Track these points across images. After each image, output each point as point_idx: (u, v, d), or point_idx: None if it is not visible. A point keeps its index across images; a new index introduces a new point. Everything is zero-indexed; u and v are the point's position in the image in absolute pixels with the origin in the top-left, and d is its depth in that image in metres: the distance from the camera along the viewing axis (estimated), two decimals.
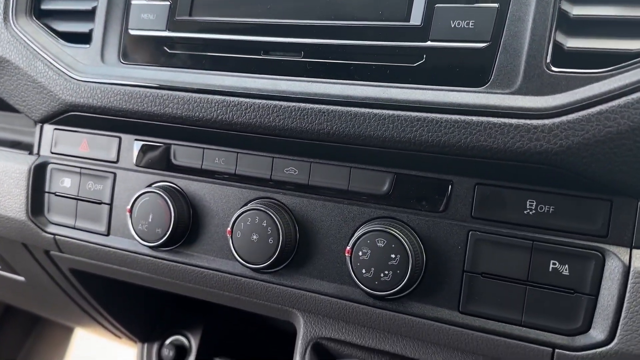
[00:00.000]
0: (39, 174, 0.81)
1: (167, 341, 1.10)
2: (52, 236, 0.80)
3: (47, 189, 0.80)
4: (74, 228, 0.79)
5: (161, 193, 0.70)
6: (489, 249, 0.57)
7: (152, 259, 0.74)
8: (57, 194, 0.80)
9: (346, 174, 0.64)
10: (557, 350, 0.55)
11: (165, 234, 0.69)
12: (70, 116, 0.77)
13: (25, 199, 0.81)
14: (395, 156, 0.60)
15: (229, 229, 0.66)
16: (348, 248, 0.61)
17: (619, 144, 0.50)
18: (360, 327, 0.68)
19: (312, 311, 0.68)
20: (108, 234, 0.76)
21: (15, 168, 0.82)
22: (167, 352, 1.07)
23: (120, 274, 0.83)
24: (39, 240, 0.82)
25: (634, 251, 0.52)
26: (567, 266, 0.54)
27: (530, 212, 0.56)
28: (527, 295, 0.56)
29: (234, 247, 0.66)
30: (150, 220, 0.70)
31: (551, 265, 0.55)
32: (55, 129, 0.81)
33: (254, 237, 0.65)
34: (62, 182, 0.79)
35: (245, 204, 0.67)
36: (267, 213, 0.64)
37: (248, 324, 1.14)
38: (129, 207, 0.72)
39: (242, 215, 0.66)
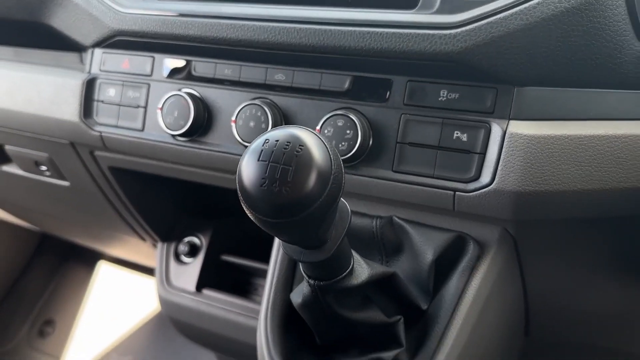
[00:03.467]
0: (90, 86, 1.05)
1: (184, 240, 1.35)
2: (99, 133, 1.05)
3: (96, 98, 1.05)
4: (116, 127, 1.03)
5: (183, 95, 0.95)
6: (413, 126, 0.81)
7: (175, 146, 0.98)
8: (104, 101, 1.05)
9: (318, 77, 0.88)
10: (457, 192, 0.78)
11: (187, 123, 0.94)
12: (116, 41, 1.02)
13: (79, 105, 1.06)
14: (352, 62, 0.84)
15: (233, 118, 0.91)
16: (318, 128, 0.85)
17: (499, 45, 0.74)
18: None
19: None
20: (143, 129, 1.01)
21: (71, 82, 1.07)
22: (183, 248, 1.32)
23: (150, 166, 1.08)
24: (88, 138, 1.07)
25: (510, 121, 0.76)
26: (465, 134, 0.78)
27: (442, 99, 0.80)
28: (438, 157, 0.79)
29: (237, 132, 0.91)
30: (175, 115, 0.95)
31: (455, 135, 0.79)
32: (104, 52, 1.06)
33: (252, 124, 0.89)
34: (108, 92, 1.04)
35: (245, 101, 0.91)
36: (260, 106, 0.89)
37: (251, 231, 1.38)
38: (160, 106, 0.97)
39: (243, 109, 0.90)
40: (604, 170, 0.75)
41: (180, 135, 0.96)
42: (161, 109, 0.97)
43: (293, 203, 0.51)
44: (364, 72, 0.85)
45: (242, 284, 1.36)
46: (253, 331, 1.21)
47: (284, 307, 0.86)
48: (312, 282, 0.67)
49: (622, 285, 0.94)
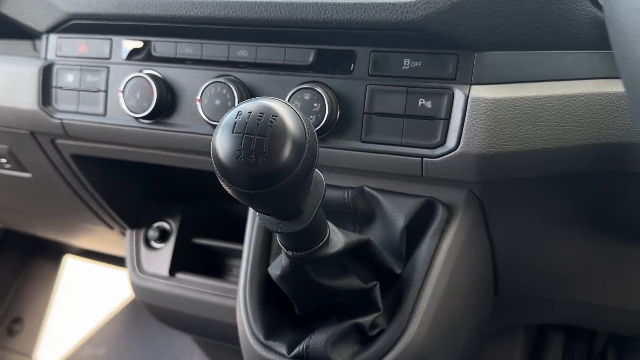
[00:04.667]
0: (47, 73, 1.03)
1: (153, 226, 1.33)
2: (59, 121, 1.03)
3: (54, 84, 1.03)
4: (77, 113, 1.01)
5: (145, 76, 0.93)
6: (379, 96, 0.82)
7: (140, 129, 0.97)
8: (62, 87, 1.02)
9: (282, 52, 0.88)
10: (424, 158, 0.80)
11: (150, 105, 0.93)
12: (71, 25, 0.99)
13: (36, 93, 1.03)
14: (315, 35, 0.84)
15: (198, 97, 0.90)
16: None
17: (458, 11, 0.75)
18: None
19: None
20: (105, 114, 0.99)
21: (27, 69, 1.04)
22: (153, 234, 1.31)
23: (114, 152, 1.07)
24: (49, 126, 1.04)
25: (472, 86, 0.78)
26: (430, 102, 0.80)
27: (406, 68, 0.81)
28: (404, 125, 0.81)
29: (202, 111, 0.90)
30: (137, 97, 0.94)
31: (419, 102, 0.80)
32: (59, 37, 1.03)
33: (217, 102, 0.89)
34: (66, 78, 1.02)
35: (209, 79, 0.91)
36: (225, 84, 0.88)
37: (220, 213, 1.38)
38: (121, 89, 0.95)
39: (207, 87, 0.89)
40: (563, 129, 0.78)
41: (144, 117, 0.95)
42: (122, 91, 0.95)
43: (270, 173, 0.52)
44: (327, 45, 0.85)
45: (215, 266, 1.36)
46: (230, 311, 1.22)
47: (262, 282, 0.87)
48: (290, 253, 0.68)
49: (586, 240, 0.98)
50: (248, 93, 0.90)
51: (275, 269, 0.75)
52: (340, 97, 0.85)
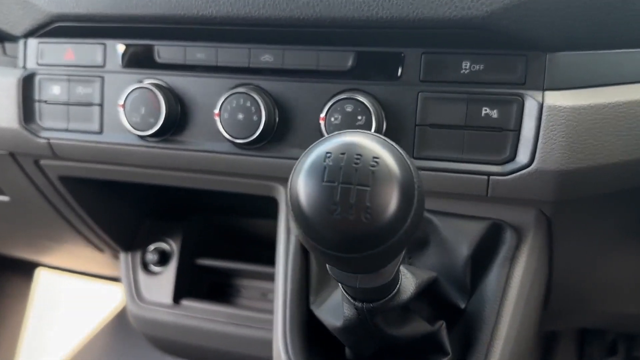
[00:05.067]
0: (27, 85, 0.87)
1: (150, 248, 1.19)
2: (46, 140, 0.88)
3: (37, 98, 0.87)
4: (67, 130, 0.87)
5: (150, 87, 0.79)
6: (434, 105, 0.71)
7: (145, 148, 0.83)
8: (47, 101, 0.87)
9: (315, 56, 0.75)
10: (491, 177, 0.70)
11: (158, 121, 0.79)
12: (54, 28, 0.84)
13: (16, 108, 0.87)
14: (355, 35, 0.72)
15: (216, 111, 0.77)
16: (322, 116, 0.73)
17: (529, 6, 0.65)
18: None
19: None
20: (101, 132, 0.85)
21: (3, 82, 0.88)
22: (152, 257, 1.17)
23: (111, 173, 0.92)
24: (33, 147, 0.89)
25: (546, 92, 0.67)
26: (495, 110, 0.69)
27: (465, 72, 0.70)
28: (465, 138, 0.70)
29: (222, 127, 0.77)
30: (142, 112, 0.80)
31: (483, 112, 0.69)
32: (40, 42, 0.87)
33: (240, 116, 0.76)
34: (51, 90, 0.87)
35: (228, 90, 0.78)
36: (249, 95, 0.76)
37: (225, 229, 1.25)
38: (121, 102, 0.81)
39: (228, 99, 0.76)
40: None
41: (150, 135, 0.81)
42: (123, 105, 0.81)
43: (375, 233, 0.40)
44: (369, 47, 0.73)
45: (221, 288, 1.23)
46: (244, 340, 1.10)
47: (302, 321, 0.75)
48: (359, 304, 0.57)
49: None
50: (275, 105, 0.77)
51: (333, 318, 0.64)
52: (386, 107, 0.73)
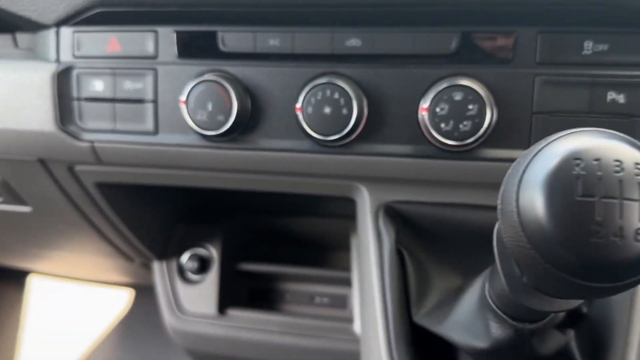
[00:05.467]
0: (63, 81, 0.76)
1: (186, 254, 1.10)
2: (88, 144, 0.77)
3: (75, 96, 0.76)
4: (113, 132, 0.76)
5: (219, 80, 0.69)
6: (553, 90, 0.64)
7: (210, 150, 0.74)
8: (88, 99, 0.76)
9: (410, 39, 0.67)
10: None
11: (229, 120, 0.69)
12: (95, 14, 0.73)
13: (51, 108, 0.76)
14: (458, 14, 0.64)
15: (298, 105, 0.68)
16: (425, 106, 0.65)
17: None
18: (429, 186, 0.73)
19: (380, 177, 0.72)
20: (156, 132, 0.75)
21: (34, 78, 0.76)
22: (191, 265, 1.07)
23: (162, 177, 0.82)
24: (71, 152, 0.78)
25: None
26: (622, 95, 0.62)
27: (588, 52, 0.63)
28: (590, 125, 0.63)
29: (305, 123, 0.68)
30: (209, 109, 0.70)
31: (608, 97, 0.62)
32: (75, 31, 0.76)
33: (327, 110, 0.67)
34: (92, 86, 0.76)
35: (310, 81, 0.68)
36: (337, 85, 0.67)
37: (263, 230, 1.16)
38: (183, 98, 0.71)
39: (312, 91, 0.67)
40: None
41: (219, 135, 0.71)
42: (186, 102, 0.71)
43: None
44: (476, 26, 0.65)
45: (262, 294, 1.15)
46: (297, 350, 1.02)
47: (407, 334, 0.68)
48: (519, 325, 0.49)
49: None
50: (366, 95, 0.68)
51: (469, 337, 0.57)
52: (497, 93, 0.65)
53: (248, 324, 1.03)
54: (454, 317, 0.61)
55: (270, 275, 1.11)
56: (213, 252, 1.09)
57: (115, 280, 1.55)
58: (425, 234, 0.74)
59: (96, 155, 0.78)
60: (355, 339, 0.99)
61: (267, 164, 0.74)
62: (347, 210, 1.15)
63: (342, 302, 1.11)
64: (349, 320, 1.03)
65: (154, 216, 1.05)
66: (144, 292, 2.15)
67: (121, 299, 2.14)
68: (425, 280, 0.72)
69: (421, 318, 0.67)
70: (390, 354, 0.67)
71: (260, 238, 1.16)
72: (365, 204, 0.76)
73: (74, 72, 0.76)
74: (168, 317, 1.06)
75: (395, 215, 0.74)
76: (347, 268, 1.14)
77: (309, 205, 1.14)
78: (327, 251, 1.22)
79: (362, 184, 0.76)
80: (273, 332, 1.02)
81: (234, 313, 1.05)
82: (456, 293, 0.68)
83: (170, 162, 0.77)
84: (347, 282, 1.09)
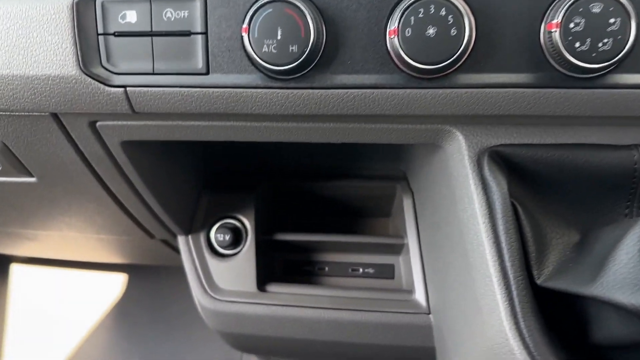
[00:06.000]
0: (83, 12, 0.61)
1: (215, 227, 0.96)
2: (121, 89, 0.62)
3: (101, 30, 0.61)
4: (152, 74, 0.62)
5: (292, 1, 0.56)
6: None
7: (278, 91, 0.60)
8: (118, 33, 0.61)
9: None
10: None
11: (304, 50, 0.56)
12: None
13: (71, 46, 0.61)
14: None
15: (394, 27, 0.55)
16: (555, 21, 0.53)
17: None
18: (541, 124, 0.61)
19: (486, 114, 0.60)
20: (207, 71, 0.61)
21: (48, 9, 0.61)
22: (222, 237, 0.94)
23: (208, 131, 0.68)
24: (98, 102, 0.64)
25: None
26: None
27: None
28: None
29: (403, 49, 0.55)
30: (279, 37, 0.56)
31: None
32: None
33: (431, 30, 0.54)
34: (123, 17, 0.61)
35: None
36: (440, 2, 0.54)
37: (297, 195, 1.04)
38: (245, 25, 0.57)
39: (411, 7, 0.54)
40: None
41: (290, 70, 0.58)
42: (248, 29, 0.57)
43: None
44: None
45: (299, 266, 1.02)
46: (350, 326, 0.91)
47: (533, 302, 0.57)
48: None
49: None
50: (473, 12, 0.56)
51: None
52: None
53: (293, 301, 0.91)
54: (610, 275, 0.50)
55: (307, 245, 0.99)
56: (246, 222, 0.96)
57: (112, 261, 1.39)
58: (537, 183, 0.63)
59: (129, 104, 0.64)
60: (420, 311, 0.88)
61: (345, 106, 0.61)
62: (392, 172, 1.03)
63: (390, 272, 1.00)
64: (407, 291, 0.92)
65: (182, 182, 0.91)
66: (139, 275, 2.00)
67: (114, 284, 1.99)
68: (540, 236, 0.61)
69: (549, 280, 0.57)
70: (517, 326, 0.56)
71: (292, 205, 1.03)
72: (461, 150, 0.64)
73: (98, 0, 0.61)
74: (201, 298, 0.93)
75: (501, 162, 0.62)
76: (389, 235, 1.03)
77: (350, 167, 1.02)
78: (364, 218, 1.10)
79: (455, 127, 0.64)
80: (324, 308, 0.90)
81: (275, 289, 0.92)
82: (585, 248, 0.57)
83: (224, 109, 0.63)
84: (392, 250, 0.98)
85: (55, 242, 1.20)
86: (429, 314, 0.88)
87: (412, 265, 0.91)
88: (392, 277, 1.00)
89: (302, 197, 1.04)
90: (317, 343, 0.93)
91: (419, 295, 0.89)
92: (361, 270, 1.01)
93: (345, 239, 0.97)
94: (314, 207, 1.06)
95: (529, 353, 0.54)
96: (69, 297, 1.98)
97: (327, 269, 1.02)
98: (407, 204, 0.94)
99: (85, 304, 1.95)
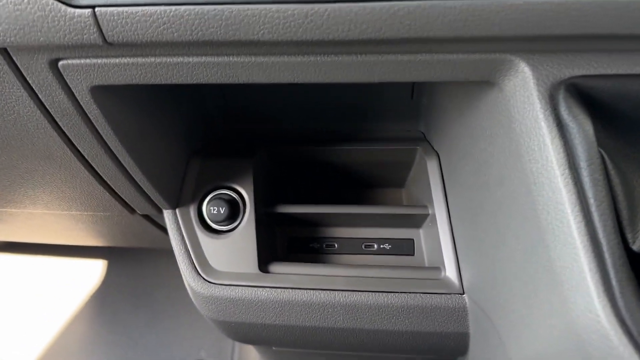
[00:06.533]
0: None
1: (208, 198, 0.82)
2: (88, 10, 0.48)
3: None
4: None
5: None
6: None
7: (296, 5, 0.46)
8: None
9: None
10: None
11: None
12: None
13: None
14: None
15: None
16: None
17: None
18: (625, 53, 0.48)
19: (564, 35, 0.46)
20: None
21: None
22: (216, 210, 0.80)
23: (199, 70, 0.54)
24: (59, 29, 0.49)
25: None
26: None
27: None
28: None
29: None
30: None
31: None
32: None
33: None
34: None
35: None
36: None
37: (303, 162, 0.90)
38: None
39: None
40: None
41: None
42: None
43: None
44: None
45: (303, 242, 0.89)
46: (369, 310, 0.78)
47: (629, 270, 0.44)
48: None
49: None
50: None
51: None
52: None
53: (302, 283, 0.78)
54: None
55: (314, 219, 0.85)
56: (243, 193, 0.82)
57: (89, 244, 1.24)
58: (627, 126, 0.50)
59: (100, 31, 0.49)
60: (452, 291, 0.75)
61: (384, 26, 0.47)
62: (409, 134, 0.90)
63: (409, 248, 0.87)
64: (434, 268, 0.79)
65: (168, 143, 0.77)
66: (119, 260, 1.85)
67: (93, 271, 1.84)
68: (631, 192, 0.48)
69: (636, 245, 0.44)
70: (613, 303, 0.43)
71: (295, 173, 0.90)
72: (528, 86, 0.50)
73: None
74: (192, 282, 0.79)
75: (580, 99, 0.49)
76: (410, 205, 0.90)
77: (360, 129, 0.89)
78: (373, 189, 0.97)
79: (519, 55, 0.50)
80: (338, 290, 0.77)
81: (280, 269, 0.79)
82: None
83: (223, 35, 0.49)
84: (412, 223, 0.85)
85: (22, 223, 1.05)
86: (463, 294, 0.75)
87: (441, 238, 0.78)
88: (412, 254, 0.87)
89: (306, 164, 0.90)
90: (329, 330, 0.80)
91: (450, 273, 0.76)
92: (376, 246, 0.88)
93: (358, 210, 0.84)
94: (318, 176, 0.92)
95: (631, 338, 0.42)
96: (43, 286, 1.82)
97: (336, 245, 0.88)
98: (432, 167, 0.81)
99: (61, 293, 1.80)
